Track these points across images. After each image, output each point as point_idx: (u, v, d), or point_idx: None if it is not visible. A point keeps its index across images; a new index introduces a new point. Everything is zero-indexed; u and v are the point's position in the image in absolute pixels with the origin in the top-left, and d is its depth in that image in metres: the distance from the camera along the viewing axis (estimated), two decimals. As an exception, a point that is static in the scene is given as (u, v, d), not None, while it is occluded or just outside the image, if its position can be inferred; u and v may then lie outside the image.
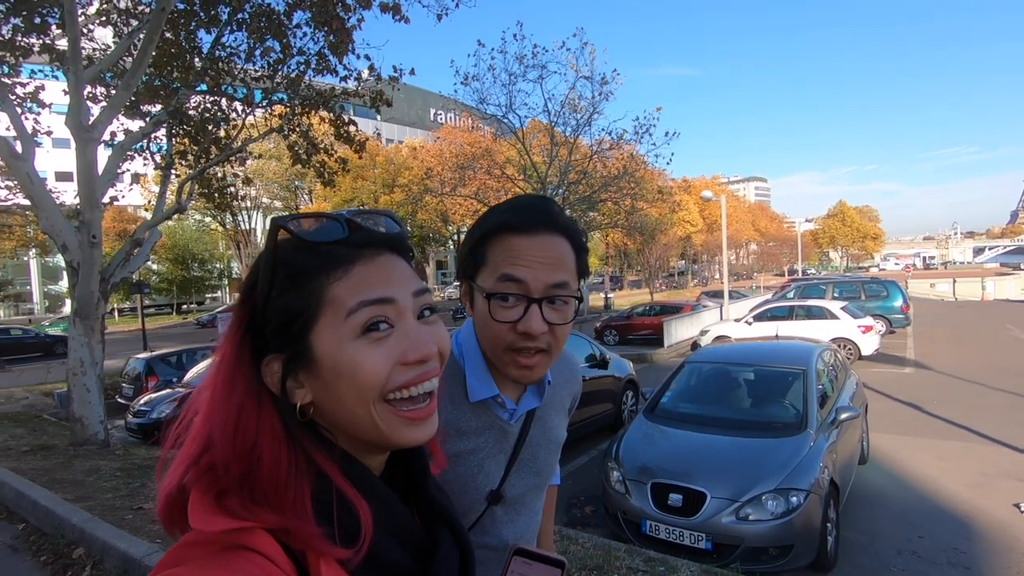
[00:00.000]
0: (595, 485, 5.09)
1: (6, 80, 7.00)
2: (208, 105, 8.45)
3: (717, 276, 58.68)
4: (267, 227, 0.58)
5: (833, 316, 12.19)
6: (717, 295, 23.08)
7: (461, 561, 0.64)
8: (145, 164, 8.89)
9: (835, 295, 15.74)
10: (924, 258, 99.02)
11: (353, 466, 0.57)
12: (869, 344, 11.69)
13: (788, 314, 12.97)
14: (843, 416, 4.43)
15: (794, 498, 3.58)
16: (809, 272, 61.84)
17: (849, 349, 11.57)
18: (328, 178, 9.10)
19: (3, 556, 3.63)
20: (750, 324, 13.02)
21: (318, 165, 8.86)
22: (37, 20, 6.66)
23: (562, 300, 0.85)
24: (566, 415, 1.08)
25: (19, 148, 5.99)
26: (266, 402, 0.54)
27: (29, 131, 6.53)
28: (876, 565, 3.86)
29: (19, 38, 6.84)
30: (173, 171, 8.65)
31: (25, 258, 40.03)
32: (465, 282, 0.91)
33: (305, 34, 7.88)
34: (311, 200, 36.54)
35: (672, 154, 20.91)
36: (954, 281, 32.69)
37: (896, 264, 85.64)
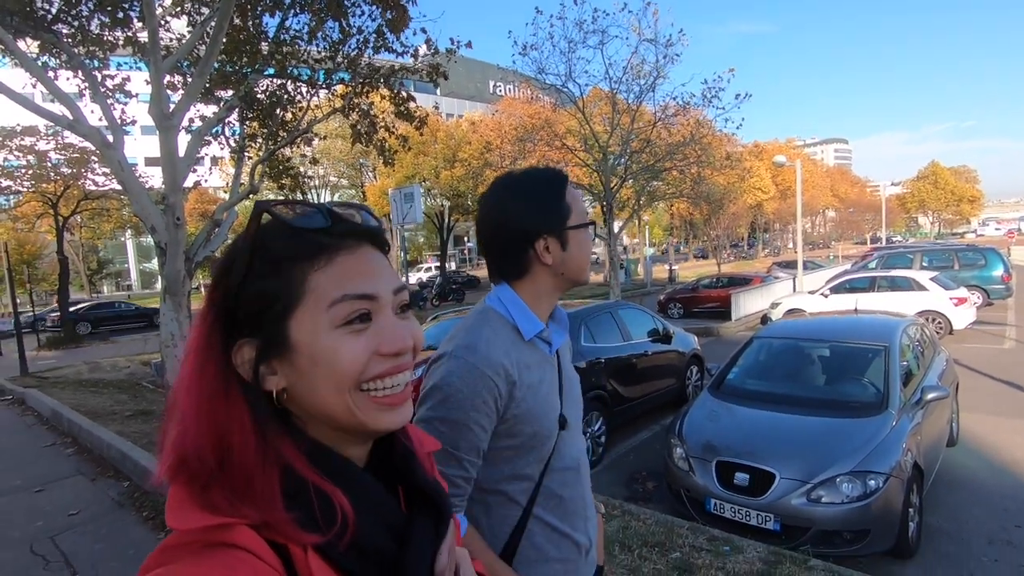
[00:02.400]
0: (657, 461, 5.04)
1: (96, 74, 7.52)
2: (275, 89, 8.74)
3: (790, 245, 55.68)
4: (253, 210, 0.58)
5: (921, 287, 11.29)
6: (790, 266, 21.89)
7: (436, 534, 0.63)
8: (221, 148, 9.37)
9: (924, 264, 14.56)
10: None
11: (326, 455, 0.56)
12: (962, 318, 10.77)
13: (869, 286, 12.13)
14: (930, 396, 4.12)
15: (872, 481, 3.39)
16: (894, 240, 57.47)
17: (939, 323, 10.72)
18: (388, 156, 9.27)
19: (110, 510, 4.04)
20: (826, 296, 12.30)
21: (379, 143, 9.03)
22: (120, 15, 7.07)
23: None
24: (570, 357, 1.28)
25: (110, 138, 6.45)
26: (234, 389, 0.53)
27: (118, 121, 6.99)
28: (964, 554, 3.61)
29: (105, 33, 7.31)
30: (246, 154, 9.06)
31: (122, 239, 43.55)
32: (551, 237, 1.07)
33: (363, 12, 7.95)
34: (375, 177, 37.45)
35: (743, 118, 19.79)
36: (1066, 247, 29.45)
37: (997, 229, 78.04)
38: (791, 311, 12.48)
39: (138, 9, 6.98)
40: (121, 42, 7.80)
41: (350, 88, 8.51)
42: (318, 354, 0.54)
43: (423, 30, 8.24)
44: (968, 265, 14.38)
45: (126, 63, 8.88)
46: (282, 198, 0.61)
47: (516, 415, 1.02)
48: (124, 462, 4.75)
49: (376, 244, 0.61)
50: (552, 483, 1.07)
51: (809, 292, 13.60)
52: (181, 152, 6.78)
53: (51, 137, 18.16)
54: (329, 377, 0.54)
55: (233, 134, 9.17)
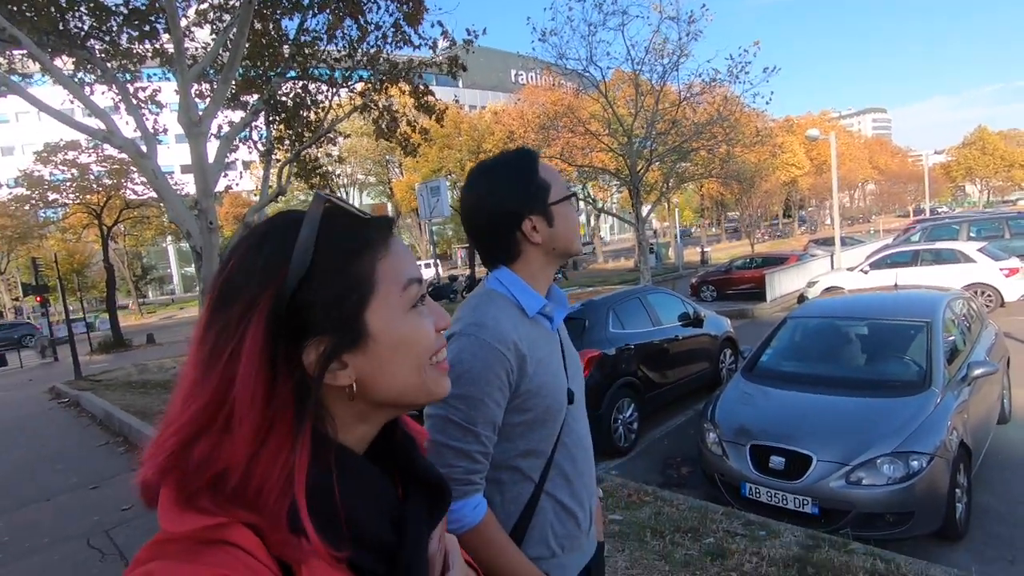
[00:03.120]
0: (691, 446, 4.98)
1: (128, 86, 7.78)
2: (298, 90, 8.89)
3: (827, 222, 53.94)
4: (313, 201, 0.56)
5: (968, 259, 10.78)
6: (828, 243, 21.21)
7: (430, 520, 0.63)
8: (250, 152, 9.60)
9: (971, 235, 13.88)
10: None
11: (342, 454, 0.56)
12: (1015, 289, 10.24)
13: (912, 259, 11.64)
14: (977, 372, 3.95)
15: (915, 462, 3.27)
16: (940, 211, 54.92)
17: (988, 296, 10.23)
18: (411, 149, 9.33)
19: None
20: (866, 273, 11.88)
21: (401, 138, 9.10)
22: (147, 27, 7.29)
23: None
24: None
25: (144, 148, 6.68)
26: (281, 403, 0.50)
27: (150, 130, 7.23)
28: (1016, 535, 3.47)
29: (134, 46, 7.54)
30: (274, 156, 9.26)
31: (163, 244, 45.17)
32: (536, 216, 1.09)
33: (380, 7, 8.00)
34: (401, 173, 37.79)
35: (772, 92, 19.07)
36: None
37: (1052, 195, 73.84)
38: (829, 289, 12.10)
39: (163, 21, 7.19)
40: (150, 54, 8.05)
41: (370, 85, 8.59)
42: (402, 337, 0.57)
43: (439, 23, 8.24)
44: (1020, 233, 13.65)
45: (155, 74, 9.15)
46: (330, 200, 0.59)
47: (529, 389, 1.03)
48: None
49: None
50: (562, 459, 1.09)
51: (848, 269, 13.16)
52: (211, 158, 6.98)
53: (92, 150, 18.90)
54: (410, 357, 0.58)
55: (260, 137, 9.38)
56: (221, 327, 0.50)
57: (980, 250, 10.90)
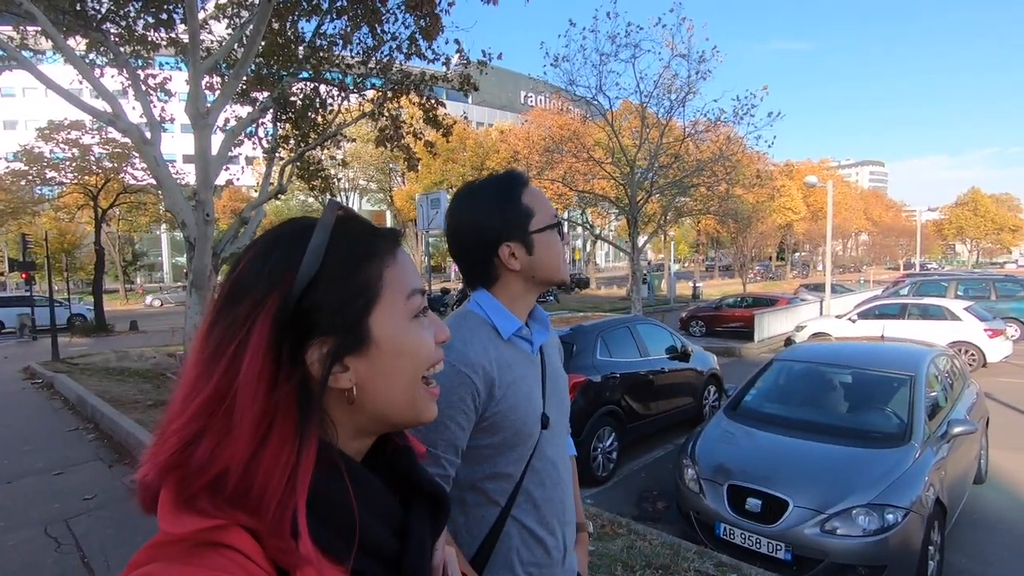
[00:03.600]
0: (669, 480, 4.95)
1: (139, 72, 7.80)
2: (309, 92, 8.94)
3: (820, 268, 54.51)
4: (326, 208, 0.59)
5: (954, 317, 10.92)
6: (818, 288, 21.41)
7: (433, 531, 0.63)
8: (254, 148, 9.61)
9: (959, 293, 14.11)
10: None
11: (337, 457, 0.56)
12: (997, 350, 10.37)
13: (899, 312, 11.78)
14: (956, 430, 3.96)
15: (890, 515, 3.26)
16: (929, 267, 55.80)
17: (972, 355, 10.34)
18: (413, 162, 9.38)
19: (124, 497, 4.12)
20: (854, 321, 11.99)
21: (405, 148, 9.15)
22: (164, 16, 7.34)
23: None
24: (560, 359, 1.28)
25: (148, 134, 6.67)
26: (284, 404, 0.50)
27: (156, 118, 7.23)
28: (987, 598, 3.45)
29: (150, 33, 7.58)
30: (277, 155, 9.27)
31: (157, 232, 44.87)
32: (513, 243, 1.07)
33: (397, 19, 8.10)
34: (403, 182, 37.93)
35: (775, 136, 19.42)
36: (1114, 282, 28.18)
37: (1040, 260, 75.19)
38: (816, 334, 12.19)
39: (181, 11, 7.24)
40: (164, 42, 8.09)
41: (381, 93, 8.66)
42: (403, 345, 0.57)
43: (456, 40, 8.35)
44: (1007, 296, 13.88)
45: (168, 63, 9.18)
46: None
47: (496, 412, 1.02)
48: (141, 450, 4.84)
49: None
50: (531, 484, 1.07)
51: (836, 316, 13.28)
52: (215, 150, 6.97)
53: (95, 131, 18.85)
54: (409, 367, 0.58)
55: (266, 134, 9.40)
56: (227, 325, 0.51)
57: (966, 309, 11.05)
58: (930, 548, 3.38)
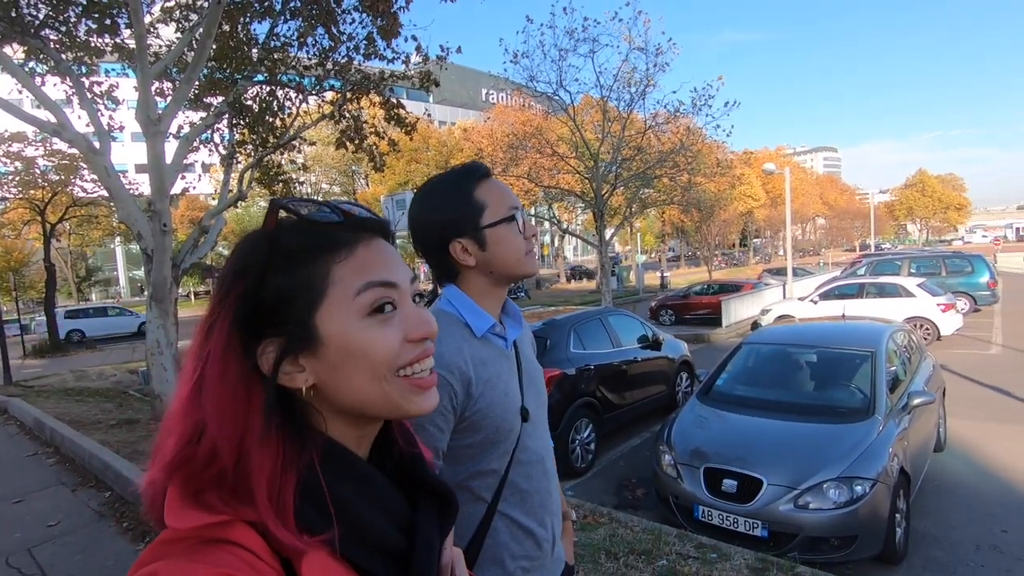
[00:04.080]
0: (647, 468, 5.02)
1: (84, 80, 7.47)
2: (265, 95, 8.72)
3: (781, 252, 56.07)
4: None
5: (908, 294, 11.38)
6: (780, 272, 22.03)
7: (441, 529, 0.63)
8: (210, 155, 9.32)
9: (911, 271, 14.71)
10: (1017, 229, 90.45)
11: (339, 453, 0.57)
12: (949, 324, 10.86)
13: (858, 292, 12.22)
14: (916, 401, 4.14)
15: (859, 487, 3.39)
16: (883, 247, 57.92)
17: (926, 329, 10.80)
18: (379, 162, 9.25)
19: (91, 521, 3.97)
20: (815, 303, 12.38)
21: (369, 148, 9.02)
22: (107, 21, 7.04)
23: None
24: (534, 352, 1.29)
25: (97, 144, 6.40)
26: (256, 392, 0.52)
27: (105, 127, 6.94)
28: (951, 559, 3.62)
29: (92, 39, 7.27)
30: (235, 160, 9.02)
31: (111, 246, 43.22)
32: (464, 240, 1.06)
33: (354, 19, 7.96)
34: (367, 184, 37.44)
35: (732, 126, 19.86)
36: (1052, 254, 29.81)
37: (984, 237, 78.81)
38: (781, 317, 12.54)
39: (126, 16, 6.96)
40: (109, 48, 7.76)
41: (340, 94, 8.51)
42: (352, 345, 0.54)
43: (413, 37, 8.25)
44: (955, 272, 14.52)
45: (115, 69, 8.84)
46: (297, 197, 0.61)
47: (476, 412, 1.01)
48: (106, 472, 4.68)
49: (386, 237, 0.62)
50: (517, 477, 1.07)
51: (799, 298, 13.68)
52: (169, 159, 6.74)
53: (39, 143, 18.01)
54: (364, 367, 0.55)
55: (223, 140, 9.13)
56: (205, 319, 0.54)
57: (919, 286, 11.53)
58: (897, 516, 3.53)
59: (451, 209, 1.07)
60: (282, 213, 0.57)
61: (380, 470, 0.62)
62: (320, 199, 0.60)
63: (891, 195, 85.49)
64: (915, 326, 10.21)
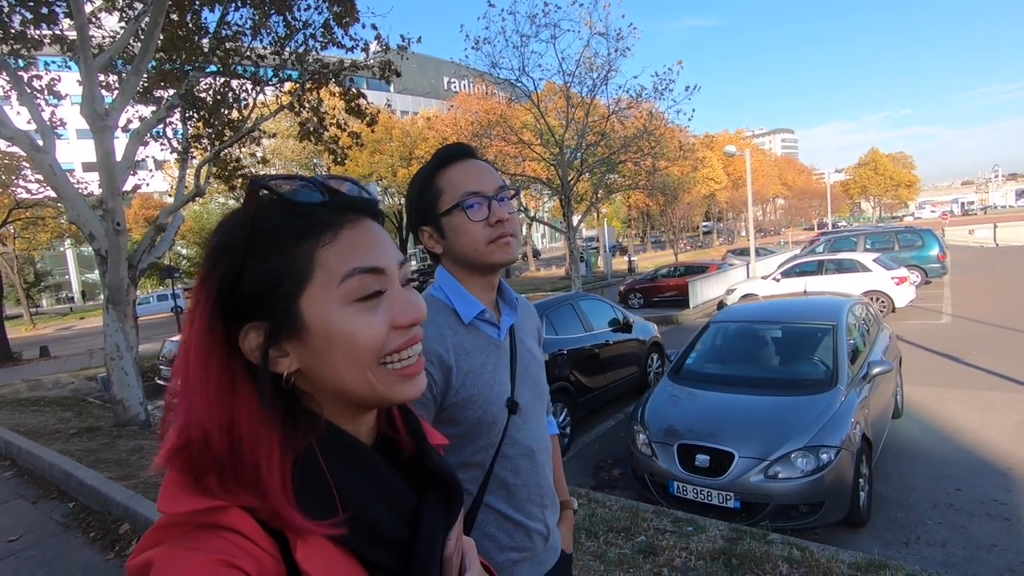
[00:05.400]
0: (622, 448, 5.11)
1: (22, 73, 7.07)
2: (219, 87, 8.42)
3: (743, 233, 57.39)
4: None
5: (865, 269, 11.82)
6: (744, 253, 22.58)
7: (447, 519, 0.63)
8: (163, 150, 8.97)
9: (867, 247, 15.23)
10: (963, 204, 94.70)
11: (339, 438, 0.56)
12: (904, 296, 11.33)
13: (817, 269, 12.62)
14: (875, 370, 4.31)
15: (824, 455, 3.52)
16: (840, 225, 59.89)
17: (882, 302, 11.24)
18: (340, 154, 9.06)
19: (56, 533, 3.83)
20: (778, 281, 12.73)
21: (330, 141, 8.82)
22: (44, 11, 6.67)
23: (507, 197, 1.06)
24: (537, 342, 1.25)
25: (40, 141, 6.08)
26: (241, 377, 0.52)
27: (48, 123, 6.60)
28: (911, 519, 3.80)
29: (29, 30, 6.87)
30: (190, 155, 8.71)
31: (61, 249, 41.35)
32: (427, 227, 1.05)
33: (309, 6, 7.73)
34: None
35: (693, 110, 20.23)
36: (995, 226, 31.19)
37: (932, 212, 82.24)
38: (746, 296, 12.86)
39: (65, 5, 6.60)
40: (48, 40, 7.36)
41: (298, 84, 8.28)
42: (335, 332, 0.53)
43: (373, 26, 8.09)
44: (907, 246, 15.12)
45: (55, 62, 8.39)
46: (277, 174, 0.56)
47: (456, 402, 1.00)
48: (69, 482, 4.51)
49: (375, 217, 0.59)
50: (503, 470, 1.05)
51: (762, 277, 14.05)
52: (119, 155, 6.46)
53: (-25, 143, 17.03)
54: (348, 355, 0.53)
55: (176, 135, 8.80)
56: (191, 305, 0.53)
57: (875, 260, 11.97)
58: (860, 481, 3.68)
59: (415, 196, 1.06)
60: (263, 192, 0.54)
61: (388, 458, 0.61)
62: (306, 175, 0.57)
63: (846, 174, 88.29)
64: (872, 299, 10.62)
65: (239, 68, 8.20)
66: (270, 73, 8.41)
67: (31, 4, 6.49)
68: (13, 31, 6.75)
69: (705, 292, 15.62)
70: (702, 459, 3.78)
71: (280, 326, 0.52)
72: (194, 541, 0.45)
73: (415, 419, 0.67)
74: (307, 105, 8.48)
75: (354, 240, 0.55)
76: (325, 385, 0.55)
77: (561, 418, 5.65)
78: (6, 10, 6.66)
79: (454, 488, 0.64)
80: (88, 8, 6.92)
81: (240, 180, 9.51)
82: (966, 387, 6.42)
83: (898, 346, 5.97)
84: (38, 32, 7.12)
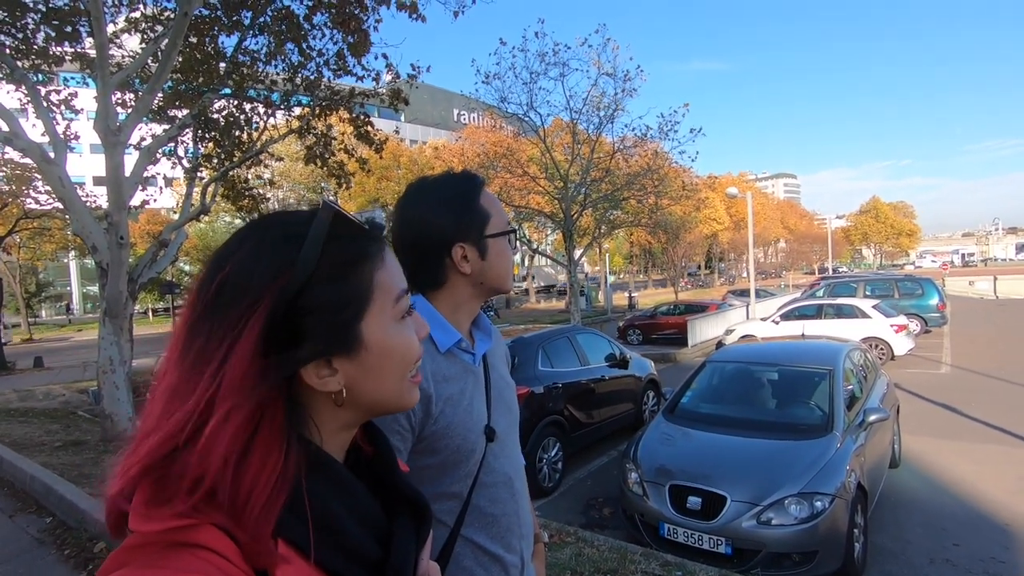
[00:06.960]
0: (614, 486, 5.02)
1: (40, 88, 7.24)
2: (232, 109, 8.60)
3: (744, 274, 57.58)
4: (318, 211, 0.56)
5: (864, 315, 11.81)
6: (744, 294, 22.61)
7: (418, 539, 0.63)
8: (173, 167, 9.11)
9: (867, 293, 15.26)
10: (963, 255, 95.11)
11: (322, 461, 0.56)
12: (902, 344, 11.28)
13: (817, 313, 12.62)
14: (872, 418, 4.26)
15: (819, 502, 3.45)
16: (840, 270, 60.13)
17: (881, 349, 11.19)
18: (344, 179, 9.18)
19: (29, 548, 3.74)
20: (777, 323, 12.71)
21: (335, 166, 8.95)
22: (68, 29, 6.86)
23: None
24: (507, 367, 1.25)
25: (52, 153, 6.18)
26: (272, 398, 0.49)
27: (61, 136, 6.72)
28: (908, 573, 3.70)
29: (51, 47, 7.07)
30: (199, 174, 8.84)
31: (65, 260, 41.54)
32: (466, 245, 1.04)
33: (324, 35, 7.96)
34: (336, 201, 37.08)
35: (697, 152, 20.62)
36: (995, 279, 31.26)
37: (933, 261, 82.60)
38: (744, 337, 12.82)
39: (87, 24, 6.80)
40: (68, 57, 7.56)
41: (308, 110, 8.46)
42: (391, 348, 0.57)
43: (384, 55, 8.30)
44: (907, 294, 15.14)
45: (75, 78, 8.60)
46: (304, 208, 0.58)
47: (435, 431, 0.98)
48: (48, 496, 4.42)
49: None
50: (481, 500, 1.02)
51: (761, 319, 14.03)
52: (129, 171, 6.55)
53: (-11, 153, 17.32)
54: (399, 368, 0.59)
55: (187, 153, 8.95)
56: (215, 326, 0.49)
57: (874, 307, 11.97)
58: (855, 531, 3.60)
59: (458, 212, 1.03)
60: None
61: (356, 473, 0.61)
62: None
63: (847, 220, 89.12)
64: (871, 346, 10.58)
65: (252, 92, 8.39)
66: (281, 97, 8.61)
67: (56, 23, 6.69)
68: (36, 47, 6.94)
69: (704, 331, 15.58)
70: (694, 501, 3.71)
71: (337, 345, 0.53)
72: (164, 560, 0.43)
73: (374, 426, 0.68)
74: (315, 130, 8.65)
75: (392, 265, 0.60)
76: (363, 399, 0.57)
77: (554, 452, 5.57)
78: (31, 27, 6.86)
79: (423, 508, 0.64)
80: (111, 29, 7.12)
81: (247, 200, 9.62)
82: (965, 439, 6.34)
83: (896, 394, 5.91)
84: (60, 49, 7.32)
